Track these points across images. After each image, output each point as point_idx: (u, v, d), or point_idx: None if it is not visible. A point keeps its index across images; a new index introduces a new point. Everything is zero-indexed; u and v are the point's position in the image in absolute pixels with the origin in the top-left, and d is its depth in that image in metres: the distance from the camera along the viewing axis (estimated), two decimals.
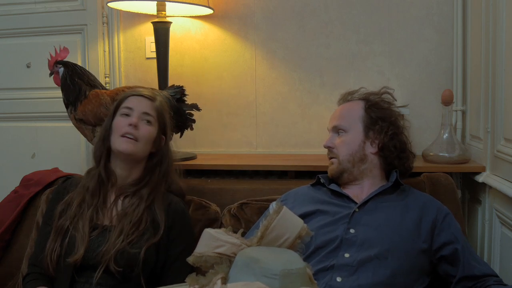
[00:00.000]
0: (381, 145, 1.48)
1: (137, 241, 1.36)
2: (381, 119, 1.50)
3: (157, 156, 1.50)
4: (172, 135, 1.63)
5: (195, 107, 1.85)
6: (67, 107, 1.79)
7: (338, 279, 1.26)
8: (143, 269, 1.35)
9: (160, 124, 1.50)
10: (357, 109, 1.53)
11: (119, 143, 1.43)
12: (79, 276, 1.35)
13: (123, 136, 1.43)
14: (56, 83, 1.81)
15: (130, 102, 1.48)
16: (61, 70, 1.77)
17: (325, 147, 1.55)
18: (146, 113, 1.47)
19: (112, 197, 1.45)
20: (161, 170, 1.50)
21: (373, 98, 1.54)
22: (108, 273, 1.33)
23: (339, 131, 1.52)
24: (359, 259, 1.28)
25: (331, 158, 1.53)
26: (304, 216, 1.41)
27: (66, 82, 1.76)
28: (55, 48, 1.79)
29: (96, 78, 1.83)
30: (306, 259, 1.30)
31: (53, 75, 1.80)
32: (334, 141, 1.52)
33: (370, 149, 1.49)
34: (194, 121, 1.85)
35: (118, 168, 1.47)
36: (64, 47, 1.81)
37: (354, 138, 1.49)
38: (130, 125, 1.43)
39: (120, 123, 1.45)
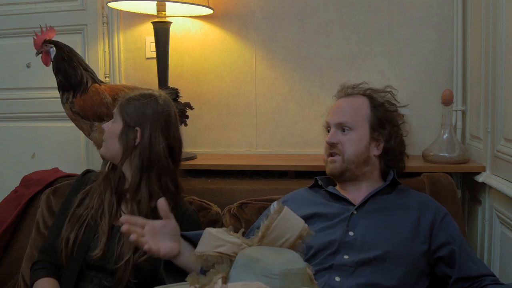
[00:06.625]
0: (386, 149, 1.47)
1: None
2: (389, 122, 1.48)
3: (137, 149, 1.40)
4: (160, 127, 1.46)
5: (188, 105, 1.89)
6: (63, 91, 1.73)
7: (337, 279, 1.25)
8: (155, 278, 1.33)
9: (123, 117, 1.42)
10: (363, 106, 1.49)
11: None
12: (83, 274, 1.35)
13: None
14: (45, 63, 1.75)
15: None
16: (53, 50, 1.73)
17: (328, 143, 1.46)
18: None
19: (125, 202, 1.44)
20: (145, 161, 1.39)
21: (378, 98, 1.51)
22: (114, 276, 1.32)
23: (345, 128, 1.46)
24: (357, 260, 1.27)
25: (333, 155, 1.46)
26: None
27: (63, 64, 1.72)
28: (40, 27, 1.74)
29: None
30: (306, 262, 1.30)
31: (41, 54, 1.75)
32: (338, 137, 1.46)
33: (374, 151, 1.46)
34: (187, 117, 1.90)
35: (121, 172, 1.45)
36: (50, 26, 1.76)
37: (361, 138, 1.45)
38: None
39: None
